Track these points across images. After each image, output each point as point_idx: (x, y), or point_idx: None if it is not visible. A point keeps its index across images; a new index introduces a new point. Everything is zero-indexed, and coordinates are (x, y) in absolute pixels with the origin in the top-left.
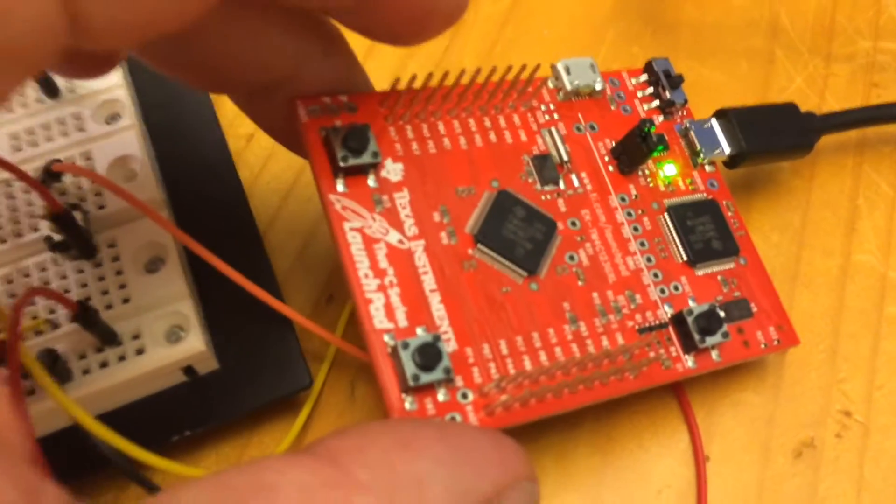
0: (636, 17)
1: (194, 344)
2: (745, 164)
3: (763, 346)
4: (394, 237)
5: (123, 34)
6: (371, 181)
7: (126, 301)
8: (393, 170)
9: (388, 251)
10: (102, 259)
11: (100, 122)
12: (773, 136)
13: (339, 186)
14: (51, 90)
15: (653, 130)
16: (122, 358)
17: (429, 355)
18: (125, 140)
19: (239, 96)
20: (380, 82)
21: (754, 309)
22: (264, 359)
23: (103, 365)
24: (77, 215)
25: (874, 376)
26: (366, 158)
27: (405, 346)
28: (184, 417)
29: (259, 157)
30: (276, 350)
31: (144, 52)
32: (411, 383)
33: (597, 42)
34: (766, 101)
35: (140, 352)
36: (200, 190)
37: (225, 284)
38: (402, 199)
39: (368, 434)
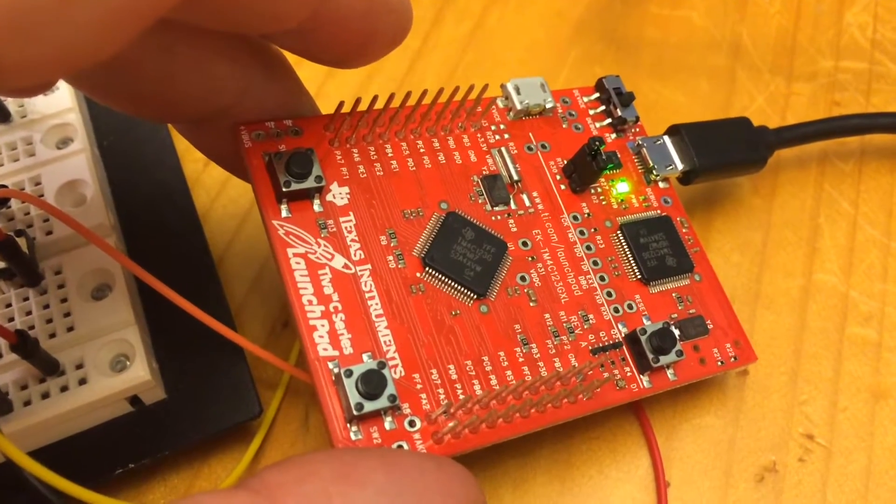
0: (598, 38)
1: (139, 373)
2: (699, 179)
3: (720, 363)
4: (339, 262)
5: (35, 71)
6: (316, 206)
7: (70, 329)
8: (339, 193)
9: (332, 277)
10: (48, 286)
11: (50, 147)
12: (726, 151)
13: (283, 212)
14: (1, 114)
15: (602, 148)
16: (64, 388)
17: (373, 383)
18: (75, 165)
19: (182, 125)
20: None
21: (710, 326)
22: (213, 387)
23: (45, 396)
24: (22, 242)
25: (837, 398)
26: (309, 183)
27: (349, 373)
28: (129, 449)
29: (216, 181)
30: (227, 378)
31: (78, 84)
32: (355, 412)
33: (559, 64)
34: None
35: (83, 381)
36: (154, 215)
37: (175, 312)
38: (348, 223)
39: (308, 466)
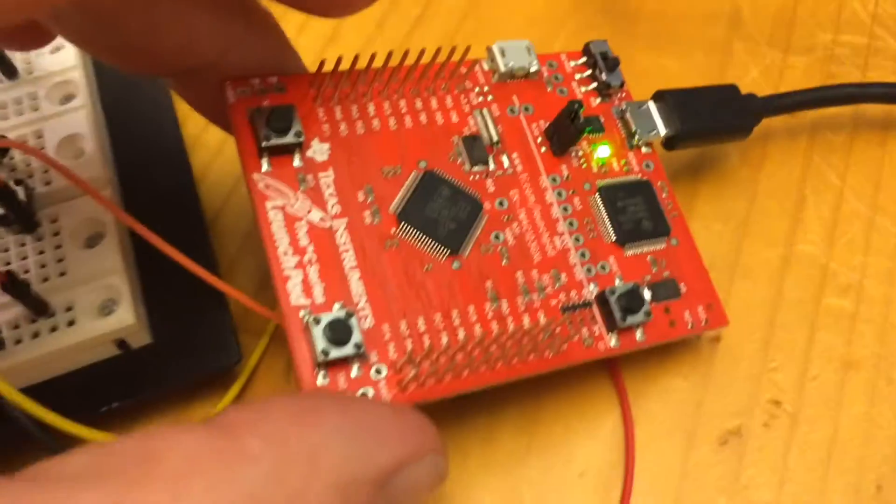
0: (597, 9)
1: (125, 317)
2: (683, 145)
3: (690, 325)
4: (316, 215)
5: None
6: (296, 161)
7: (62, 274)
8: (319, 149)
9: (309, 229)
10: (44, 233)
11: (54, 103)
12: (711, 117)
13: (264, 166)
14: (9, 71)
15: (581, 111)
16: (54, 329)
17: (340, 331)
18: (76, 120)
19: (172, 80)
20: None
21: (683, 289)
22: (197, 333)
23: (35, 335)
24: (21, 190)
25: (808, 367)
26: (289, 138)
27: (317, 321)
28: (115, 389)
29: (217, 139)
30: (210, 325)
31: (64, 32)
32: (320, 358)
33: (555, 34)
34: None
35: (72, 323)
36: (151, 171)
37: (165, 261)
38: (327, 178)
39: (268, 406)
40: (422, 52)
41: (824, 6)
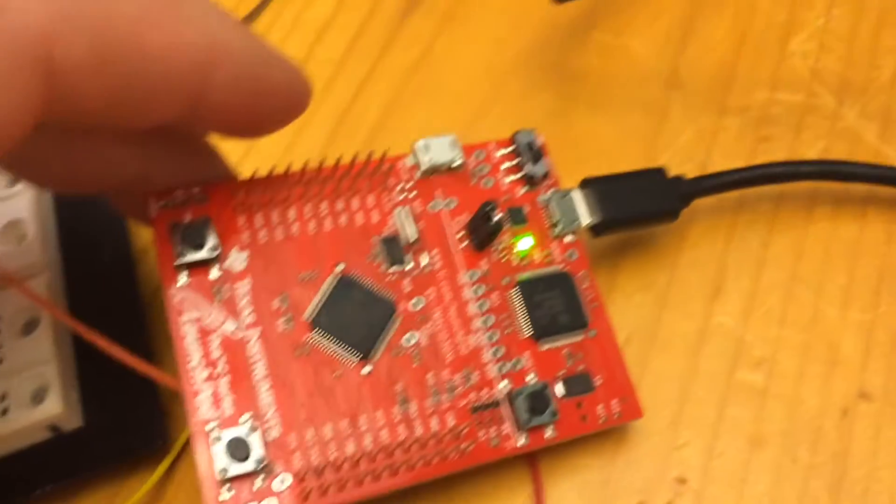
0: (539, 66)
1: (53, 406)
2: (608, 233)
3: (602, 420)
4: (229, 326)
5: None
6: (214, 272)
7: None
8: (238, 258)
9: (222, 341)
10: None
11: (1, 188)
12: (636, 204)
13: (181, 279)
14: None
15: (494, 212)
16: None
17: (241, 448)
18: (20, 205)
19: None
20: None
21: (597, 383)
22: (126, 417)
23: None
24: None
25: (715, 443)
26: (204, 253)
27: (218, 438)
28: (47, 472)
29: None
30: (139, 408)
31: None
32: (219, 476)
33: (498, 94)
34: (652, 156)
35: (5, 412)
36: (92, 251)
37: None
38: (243, 287)
39: None
40: (340, 158)
41: (764, 62)
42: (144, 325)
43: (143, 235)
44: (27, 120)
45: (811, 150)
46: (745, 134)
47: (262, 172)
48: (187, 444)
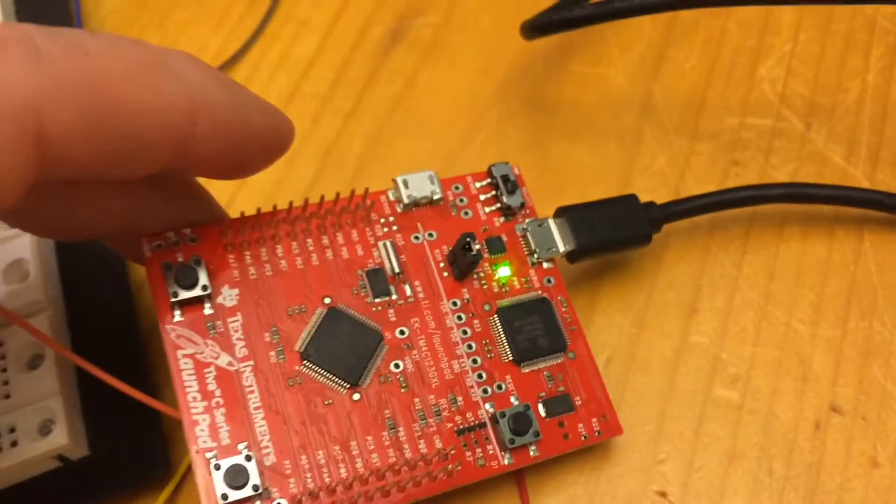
0: (517, 96)
1: (60, 438)
2: (584, 259)
3: (584, 437)
4: (224, 360)
5: None
6: (207, 309)
7: (7, 397)
8: (229, 296)
9: (217, 374)
10: None
11: (4, 228)
12: (610, 231)
13: (176, 316)
14: None
15: (474, 243)
16: None
17: (238, 475)
18: (21, 245)
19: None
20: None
21: (578, 402)
22: (129, 445)
23: None
24: None
25: (694, 458)
26: (196, 292)
27: (217, 467)
28: (57, 499)
29: None
30: (142, 437)
31: None
32: (221, 501)
33: (478, 124)
34: (628, 182)
35: (14, 444)
36: (93, 289)
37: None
38: (235, 322)
39: None
40: (323, 197)
41: (734, 88)
42: (144, 358)
43: (140, 271)
44: (20, 185)
45: (781, 174)
46: (717, 158)
47: (253, 209)
48: (189, 470)
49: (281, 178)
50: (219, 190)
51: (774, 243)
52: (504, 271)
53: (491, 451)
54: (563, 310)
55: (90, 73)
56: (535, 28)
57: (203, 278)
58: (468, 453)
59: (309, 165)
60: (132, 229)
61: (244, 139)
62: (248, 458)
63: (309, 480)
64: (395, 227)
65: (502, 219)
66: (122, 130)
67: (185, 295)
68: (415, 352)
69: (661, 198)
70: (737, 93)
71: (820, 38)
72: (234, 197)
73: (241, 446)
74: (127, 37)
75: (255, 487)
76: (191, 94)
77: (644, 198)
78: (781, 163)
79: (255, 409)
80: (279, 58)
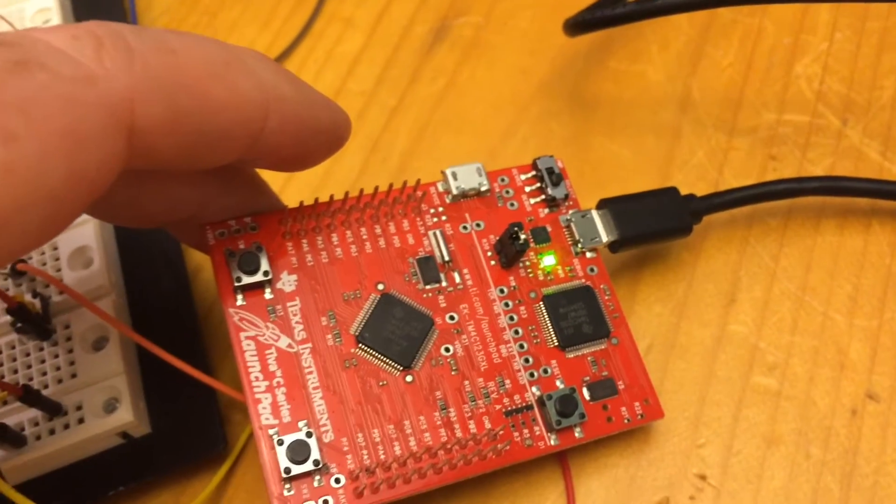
0: (558, 94)
1: (125, 416)
2: (625, 249)
3: (626, 420)
4: (284, 342)
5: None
6: (267, 293)
7: (73, 376)
8: (288, 281)
9: (278, 355)
10: (58, 339)
11: None
12: (651, 222)
13: (239, 300)
14: None
15: (521, 232)
16: (66, 426)
17: (300, 450)
18: (85, 233)
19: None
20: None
21: (621, 387)
22: (189, 423)
23: (52, 432)
24: (36, 303)
25: (733, 442)
26: (257, 277)
27: (280, 442)
28: (121, 474)
29: None
30: (200, 415)
31: None
32: (284, 475)
33: (520, 120)
34: (667, 176)
35: (81, 421)
36: (151, 274)
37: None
38: (294, 307)
39: None
40: (378, 187)
41: (771, 85)
42: (201, 339)
43: (195, 257)
44: (113, 173)
45: (818, 168)
46: (754, 153)
47: (304, 200)
48: (245, 449)
49: (327, 172)
50: (268, 182)
51: (811, 236)
52: (549, 260)
53: (538, 432)
54: (606, 298)
55: (176, 69)
56: (578, 25)
57: (264, 264)
58: (516, 434)
59: (354, 160)
60: (197, 218)
61: (309, 133)
62: (309, 435)
63: (365, 457)
64: (444, 217)
65: (547, 210)
66: (203, 123)
67: (247, 280)
68: (464, 336)
69: (699, 191)
70: (774, 89)
71: (855, 37)
72: (283, 189)
73: (301, 424)
74: (205, 36)
75: (316, 462)
76: (264, 90)
77: (683, 191)
78: (818, 157)
79: (314, 388)
80: (325, 56)
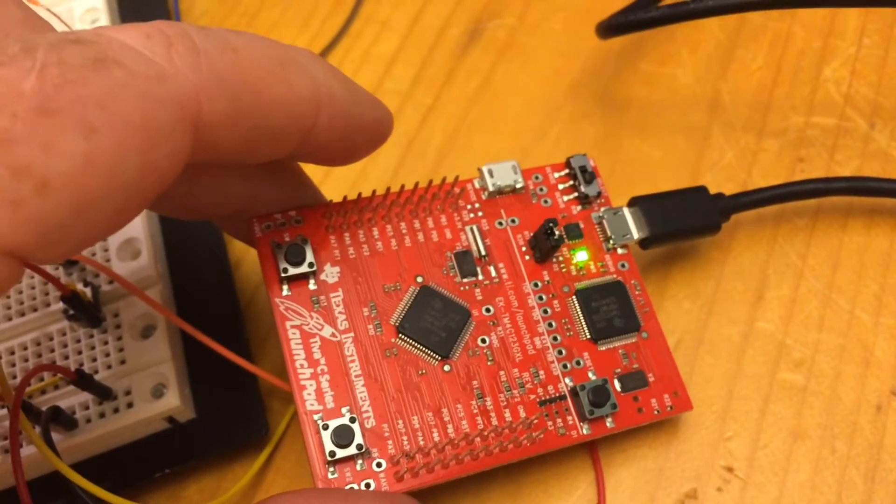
0: (590, 95)
1: (172, 400)
2: (656, 245)
3: (656, 412)
4: (327, 331)
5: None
6: (311, 284)
7: (123, 363)
8: (331, 273)
9: (322, 344)
10: (107, 327)
11: None
12: (681, 220)
13: (284, 290)
14: None
15: (556, 228)
16: (116, 410)
17: (344, 435)
18: (133, 225)
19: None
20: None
21: (651, 379)
22: (232, 409)
23: (101, 416)
24: (87, 291)
25: (760, 436)
26: (303, 269)
27: (325, 427)
28: (167, 457)
29: None
30: (243, 402)
31: None
32: (329, 458)
33: (552, 120)
34: (697, 176)
35: (130, 405)
36: (197, 264)
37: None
38: (337, 298)
39: None
40: (418, 183)
41: (799, 88)
42: (243, 329)
43: (237, 250)
44: (180, 165)
45: (845, 170)
46: (783, 155)
47: (338, 197)
48: (284, 434)
49: (364, 169)
50: None
51: (838, 236)
52: (581, 256)
53: (570, 422)
54: (637, 293)
55: (238, 67)
56: (611, 28)
57: (309, 256)
58: (549, 423)
59: (391, 157)
60: (245, 211)
61: (356, 128)
62: (353, 420)
63: (405, 442)
64: (480, 213)
65: (579, 207)
66: (261, 119)
67: (293, 271)
68: (499, 328)
69: (728, 192)
70: (802, 93)
71: (883, 42)
72: (321, 185)
73: (344, 409)
74: (261, 35)
75: (359, 447)
76: (317, 87)
77: (713, 192)
78: (846, 160)
79: (356, 376)
80: (362, 56)
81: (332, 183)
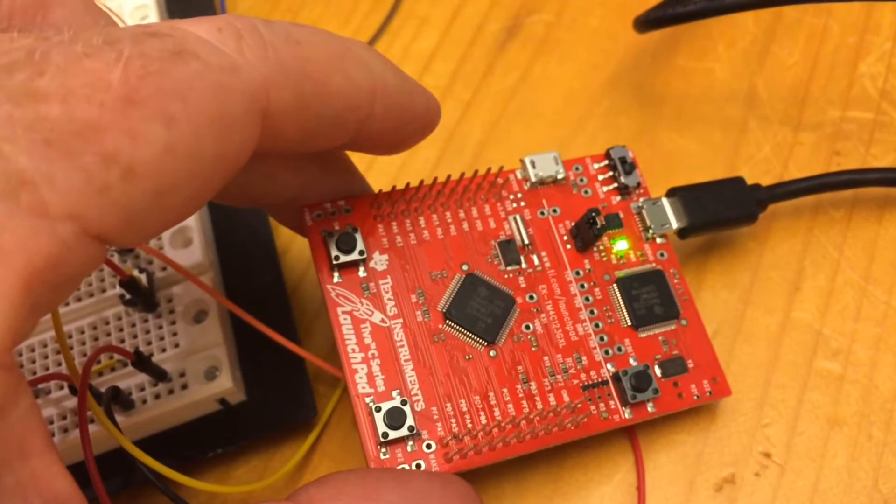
0: (627, 89)
1: (224, 382)
2: (694, 235)
3: (696, 397)
4: (377, 317)
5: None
6: (361, 272)
7: (177, 346)
8: (380, 261)
9: (372, 329)
10: (162, 312)
11: None
12: (719, 209)
13: (335, 277)
14: None
15: (598, 217)
16: (171, 391)
17: (396, 417)
18: None
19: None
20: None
21: (690, 365)
22: (281, 392)
23: (157, 397)
24: (143, 277)
25: (797, 423)
26: (353, 256)
27: (378, 409)
28: (218, 438)
29: None
30: (291, 384)
31: None
32: (381, 439)
33: (590, 114)
34: (733, 169)
35: (184, 387)
36: (245, 252)
37: (257, 330)
38: (386, 285)
39: (340, 485)
40: (464, 174)
41: (836, 83)
42: (291, 314)
43: (284, 237)
44: (248, 154)
45: (882, 163)
46: (819, 148)
47: (384, 188)
48: (330, 418)
49: (405, 162)
50: None
51: (874, 227)
52: (621, 245)
53: (613, 406)
54: (676, 281)
55: (302, 59)
56: (649, 22)
57: (360, 244)
58: (592, 407)
59: (431, 151)
60: (296, 200)
61: (408, 118)
62: (404, 403)
63: (454, 425)
64: (522, 203)
65: (619, 197)
66: (322, 109)
67: (344, 259)
68: (543, 315)
69: (765, 184)
70: (838, 87)
71: None
72: (364, 175)
73: (394, 393)
74: (320, 28)
75: (411, 428)
76: (372, 78)
77: (748, 181)
78: (882, 153)
79: (405, 361)
80: (402, 52)
81: (374, 176)
